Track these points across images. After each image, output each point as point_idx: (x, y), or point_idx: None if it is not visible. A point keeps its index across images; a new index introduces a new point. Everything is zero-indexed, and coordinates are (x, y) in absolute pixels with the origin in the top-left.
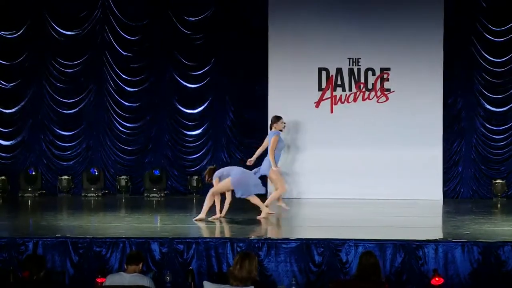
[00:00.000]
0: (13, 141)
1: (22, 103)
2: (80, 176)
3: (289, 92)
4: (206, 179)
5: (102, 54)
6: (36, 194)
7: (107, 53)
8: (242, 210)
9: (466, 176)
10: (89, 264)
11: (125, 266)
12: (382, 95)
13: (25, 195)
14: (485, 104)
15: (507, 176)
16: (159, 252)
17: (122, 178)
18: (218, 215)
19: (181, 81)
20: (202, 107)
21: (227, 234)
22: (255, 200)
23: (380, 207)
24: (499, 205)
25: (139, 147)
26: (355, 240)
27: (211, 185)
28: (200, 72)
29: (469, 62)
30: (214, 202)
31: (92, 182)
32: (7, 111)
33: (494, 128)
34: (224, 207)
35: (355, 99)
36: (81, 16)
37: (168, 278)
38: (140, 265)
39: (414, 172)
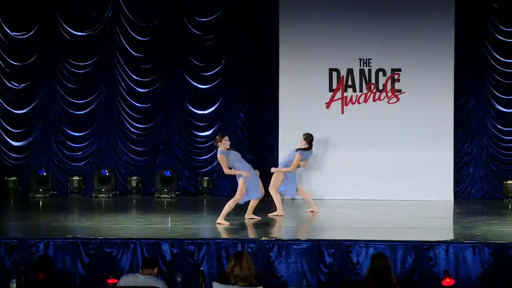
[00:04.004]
0: (24, 142)
1: (33, 104)
2: (91, 177)
3: (300, 93)
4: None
5: (113, 55)
6: (47, 195)
7: (118, 54)
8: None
9: (477, 177)
10: (100, 265)
11: (140, 270)
12: (393, 96)
13: (36, 196)
14: (496, 105)
15: None
16: (170, 253)
17: (133, 179)
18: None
19: (192, 82)
20: (213, 108)
21: (237, 235)
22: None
23: (391, 208)
24: (510, 206)
25: (150, 148)
26: (365, 241)
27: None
28: (211, 72)
29: (480, 63)
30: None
31: (103, 183)
32: (18, 111)
33: (505, 129)
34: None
35: (366, 100)
36: (92, 17)
37: (179, 279)
38: (155, 270)
39: (425, 173)
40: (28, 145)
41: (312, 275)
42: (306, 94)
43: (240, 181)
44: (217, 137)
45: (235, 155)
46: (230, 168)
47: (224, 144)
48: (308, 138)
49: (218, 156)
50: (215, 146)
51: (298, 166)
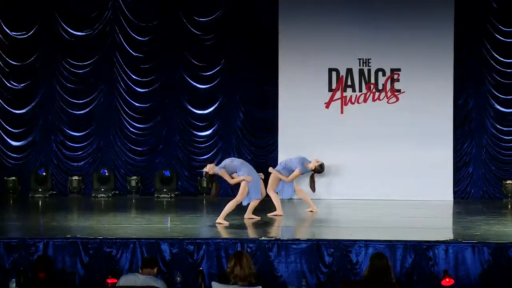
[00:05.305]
0: (23, 141)
1: (33, 104)
2: (91, 177)
3: (299, 93)
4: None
5: (112, 54)
6: (47, 195)
7: (117, 54)
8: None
9: (477, 177)
10: (99, 264)
11: (140, 270)
12: (392, 96)
13: (36, 195)
14: (496, 104)
15: None
16: (169, 253)
17: (133, 179)
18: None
19: (191, 81)
20: (213, 107)
21: (237, 235)
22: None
23: (390, 208)
24: (509, 206)
25: (150, 147)
26: (365, 241)
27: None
28: (210, 72)
29: (479, 62)
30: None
31: (102, 182)
32: (18, 111)
33: (505, 129)
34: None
35: (365, 100)
36: (91, 17)
37: (178, 278)
38: (155, 270)
39: (424, 173)
40: (28, 145)
41: (312, 274)
42: (305, 94)
43: (242, 182)
44: (204, 172)
45: (228, 161)
46: (232, 177)
47: (213, 167)
48: (319, 169)
49: (219, 173)
50: (211, 175)
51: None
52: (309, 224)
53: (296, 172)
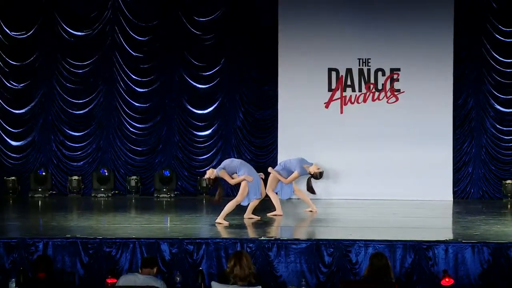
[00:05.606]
0: (23, 141)
1: (33, 104)
2: (90, 177)
3: (299, 93)
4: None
5: (112, 54)
6: (46, 195)
7: (117, 54)
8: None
9: (476, 177)
10: (99, 264)
11: (139, 270)
12: (392, 96)
13: (35, 195)
14: (495, 104)
15: None
16: (169, 253)
17: (132, 179)
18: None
19: (191, 81)
20: (212, 107)
21: (237, 234)
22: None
23: (390, 207)
24: (509, 206)
25: (149, 147)
26: (365, 240)
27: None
28: (210, 72)
29: (479, 62)
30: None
31: (102, 182)
32: (17, 111)
33: (504, 128)
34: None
35: (365, 100)
36: (91, 17)
37: (178, 278)
38: (155, 270)
39: (424, 173)
40: (27, 144)
41: (311, 274)
42: (305, 93)
43: (243, 182)
44: (208, 180)
45: (227, 162)
46: (233, 178)
47: (212, 172)
48: (317, 176)
49: (219, 174)
50: (214, 180)
51: None
52: (309, 224)
53: (295, 174)
